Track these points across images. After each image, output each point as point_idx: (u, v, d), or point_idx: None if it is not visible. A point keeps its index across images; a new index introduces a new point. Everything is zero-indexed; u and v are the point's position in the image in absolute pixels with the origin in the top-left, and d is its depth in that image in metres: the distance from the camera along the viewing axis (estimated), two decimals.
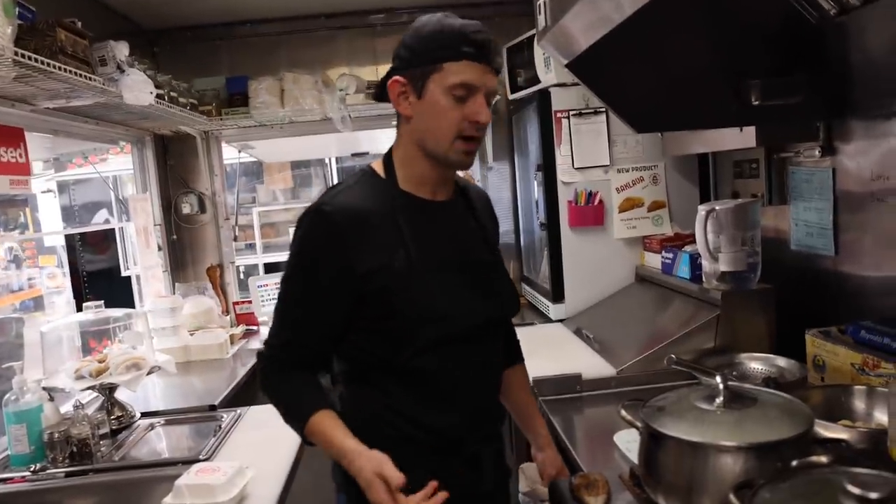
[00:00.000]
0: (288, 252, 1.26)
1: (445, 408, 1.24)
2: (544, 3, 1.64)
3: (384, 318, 1.20)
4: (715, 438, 0.91)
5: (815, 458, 0.89)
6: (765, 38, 1.63)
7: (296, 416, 1.22)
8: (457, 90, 1.17)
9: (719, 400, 1.00)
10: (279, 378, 1.26)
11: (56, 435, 1.66)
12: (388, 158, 1.29)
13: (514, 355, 1.53)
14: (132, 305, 2.99)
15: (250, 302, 3.24)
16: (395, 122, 1.30)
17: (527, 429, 1.52)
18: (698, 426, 0.96)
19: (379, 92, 1.29)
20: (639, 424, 1.08)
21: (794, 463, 0.88)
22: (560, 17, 1.57)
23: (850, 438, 1.13)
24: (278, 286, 1.28)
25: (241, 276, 3.91)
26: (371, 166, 1.31)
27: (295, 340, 1.24)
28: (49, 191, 4.58)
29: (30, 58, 1.50)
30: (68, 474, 1.64)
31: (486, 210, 1.44)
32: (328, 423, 1.19)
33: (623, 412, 1.16)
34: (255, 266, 5.43)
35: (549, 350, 2.29)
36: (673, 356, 1.45)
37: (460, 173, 1.42)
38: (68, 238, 3.97)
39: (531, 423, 1.51)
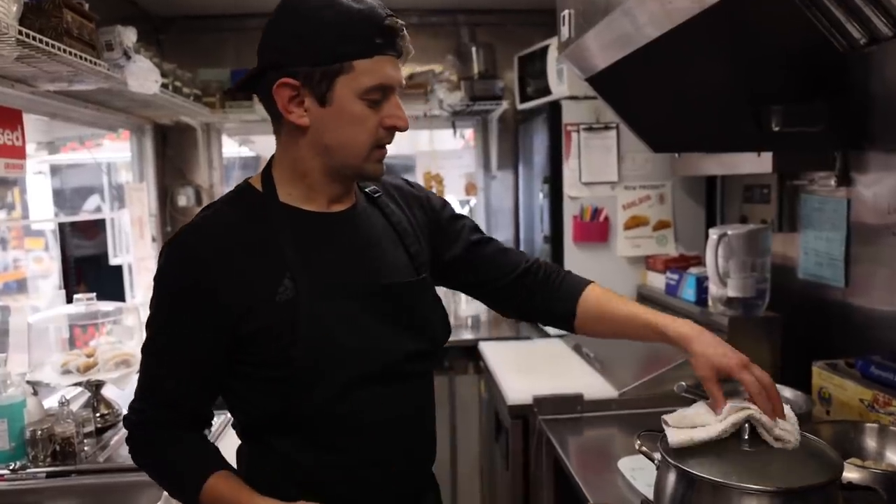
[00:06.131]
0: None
1: (364, 474, 1.02)
2: (569, 14, 1.61)
3: (272, 364, 0.97)
4: (741, 480, 0.88)
5: None
6: (788, 64, 1.60)
7: (183, 488, 1.01)
8: (373, 94, 0.96)
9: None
10: (153, 447, 1.04)
11: (39, 432, 1.59)
12: (267, 172, 1.05)
13: (579, 282, 1.25)
14: (121, 295, 2.92)
15: None
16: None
17: (654, 334, 1.16)
18: (721, 465, 0.92)
19: (248, 84, 1.03)
20: (655, 457, 1.04)
21: None
22: (585, 30, 1.53)
23: (861, 479, 1.10)
24: None
25: None
26: (248, 181, 1.07)
27: (163, 400, 1.01)
28: (40, 172, 4.48)
29: (34, 38, 1.44)
30: (49, 474, 1.57)
31: (406, 201, 1.16)
32: (228, 487, 0.98)
33: (639, 443, 1.12)
34: None
35: (548, 367, 2.25)
36: (683, 384, 1.40)
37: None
38: (60, 224, 3.91)
39: (652, 322, 1.15)
